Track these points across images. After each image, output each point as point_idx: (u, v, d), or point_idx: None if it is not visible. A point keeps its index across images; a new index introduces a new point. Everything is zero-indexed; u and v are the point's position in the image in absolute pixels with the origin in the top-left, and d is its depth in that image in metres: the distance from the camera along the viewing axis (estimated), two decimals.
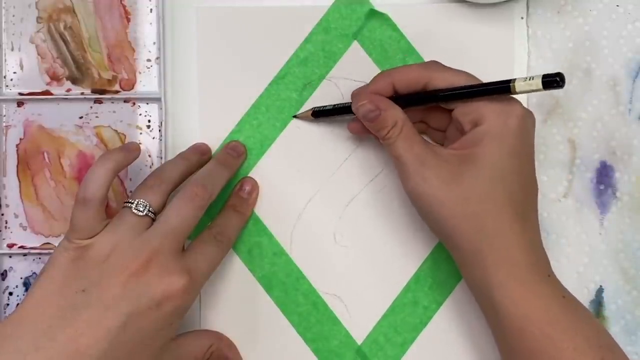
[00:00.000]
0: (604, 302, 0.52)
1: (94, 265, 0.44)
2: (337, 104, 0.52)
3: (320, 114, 0.52)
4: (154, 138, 0.54)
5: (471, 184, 0.44)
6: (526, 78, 0.44)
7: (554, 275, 0.46)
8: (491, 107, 0.45)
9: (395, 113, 0.47)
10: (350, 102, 0.50)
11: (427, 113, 0.50)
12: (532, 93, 0.52)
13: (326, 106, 0.52)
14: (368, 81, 0.53)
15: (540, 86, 0.43)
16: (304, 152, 0.53)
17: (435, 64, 0.48)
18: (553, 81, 0.43)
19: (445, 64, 0.48)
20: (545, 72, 0.43)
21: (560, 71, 0.42)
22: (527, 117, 0.46)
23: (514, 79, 0.44)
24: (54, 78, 0.54)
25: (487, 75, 0.47)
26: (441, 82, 0.47)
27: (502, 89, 0.45)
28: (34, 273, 0.54)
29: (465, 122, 0.46)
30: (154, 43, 0.54)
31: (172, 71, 0.54)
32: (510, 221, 0.45)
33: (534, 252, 0.45)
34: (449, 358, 0.53)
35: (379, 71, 0.50)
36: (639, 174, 0.52)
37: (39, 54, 0.54)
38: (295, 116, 0.53)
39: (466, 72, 0.47)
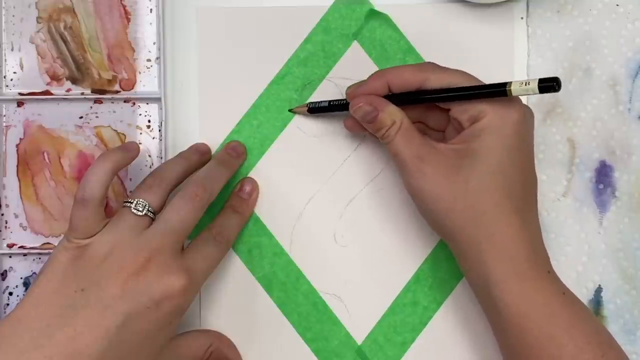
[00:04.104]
0: (602, 301, 0.52)
1: (93, 265, 0.44)
2: (333, 100, 0.52)
3: (316, 110, 0.52)
4: (154, 138, 0.54)
5: (470, 178, 0.44)
6: (522, 82, 0.44)
7: (554, 271, 0.46)
8: (489, 103, 0.45)
9: (392, 111, 0.47)
10: (346, 99, 0.50)
11: (425, 113, 0.50)
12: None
13: (322, 102, 0.52)
14: None
15: (537, 90, 0.43)
16: (304, 152, 0.53)
17: (430, 65, 0.48)
18: (550, 86, 0.43)
19: (445, 64, 0.48)
20: (545, 73, 0.43)
21: (559, 73, 0.42)
22: (526, 112, 0.46)
23: (510, 82, 0.44)
24: (54, 78, 0.54)
25: (487, 75, 0.47)
26: (436, 82, 0.47)
27: (498, 92, 0.45)
28: (34, 273, 0.54)
29: (463, 120, 0.46)
30: (154, 43, 0.54)
31: (172, 71, 0.54)
32: (510, 216, 0.45)
33: (534, 248, 0.45)
34: (449, 358, 0.53)
35: (377, 69, 0.50)
36: (639, 173, 0.52)
37: (39, 54, 0.54)
38: (291, 110, 0.53)
39: (462, 72, 0.47)
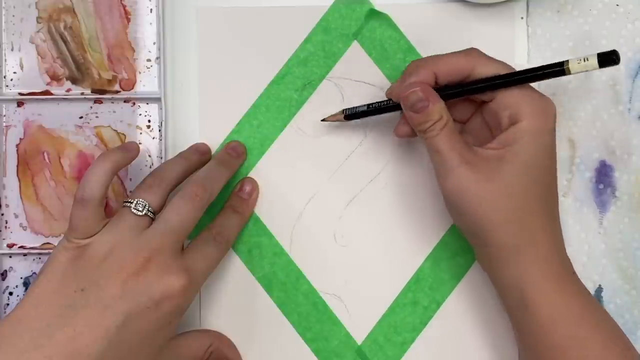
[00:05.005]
0: (603, 301, 0.52)
1: (93, 265, 0.44)
2: (372, 104, 0.50)
3: (353, 117, 0.51)
4: (154, 138, 0.54)
5: (511, 182, 0.44)
6: (580, 59, 0.43)
7: (576, 272, 0.47)
8: (529, 104, 0.45)
9: (441, 107, 0.46)
10: (386, 101, 0.49)
11: (450, 103, 0.48)
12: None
13: (359, 107, 0.51)
14: (368, 81, 0.53)
15: (596, 65, 0.43)
16: (304, 152, 0.53)
17: (477, 52, 0.47)
18: (610, 59, 0.42)
19: None
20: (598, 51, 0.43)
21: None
22: (554, 108, 0.46)
23: (567, 60, 0.44)
24: (54, 78, 0.54)
25: None
26: (485, 70, 0.46)
27: (556, 72, 0.44)
28: (34, 273, 0.54)
29: (503, 117, 0.46)
30: (154, 43, 0.54)
31: (172, 71, 0.54)
32: (545, 219, 0.45)
33: (562, 250, 0.46)
34: (449, 358, 0.53)
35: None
36: (639, 173, 0.52)
37: (39, 54, 0.54)
38: (324, 120, 0.52)
39: (504, 62, 0.47)
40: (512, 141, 0.45)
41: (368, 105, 0.50)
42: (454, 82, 0.47)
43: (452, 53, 0.47)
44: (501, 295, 0.47)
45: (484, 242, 0.46)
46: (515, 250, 0.45)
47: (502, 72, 0.46)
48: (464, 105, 0.49)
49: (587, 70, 0.44)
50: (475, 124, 0.49)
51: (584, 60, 0.43)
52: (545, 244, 0.45)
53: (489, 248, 0.46)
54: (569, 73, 0.44)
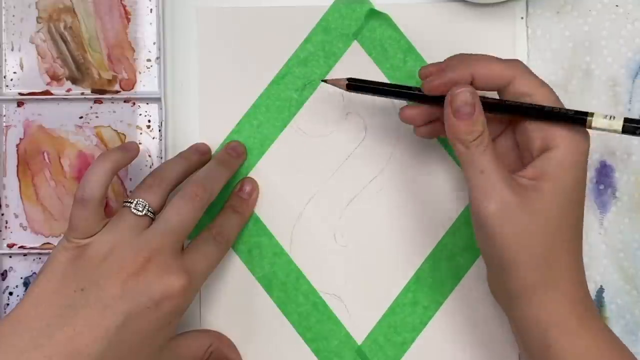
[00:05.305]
0: (604, 302, 0.52)
1: (92, 265, 0.44)
2: (382, 83, 0.47)
3: (356, 89, 0.47)
4: (154, 138, 0.54)
5: (547, 217, 0.42)
6: (606, 116, 0.42)
7: (597, 309, 0.46)
8: (564, 134, 0.43)
9: (484, 119, 0.42)
10: (395, 85, 0.47)
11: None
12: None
13: (367, 81, 0.47)
14: None
15: (620, 130, 0.42)
16: (304, 152, 0.53)
17: (520, 65, 0.44)
18: (635, 128, 0.42)
19: None
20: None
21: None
22: (589, 141, 0.44)
23: (593, 113, 0.42)
24: (54, 78, 0.54)
25: None
26: (525, 86, 0.43)
27: (577, 120, 0.43)
28: (34, 273, 0.54)
29: (535, 139, 0.43)
30: (154, 43, 0.54)
31: (172, 71, 0.54)
32: (571, 257, 0.44)
33: (585, 288, 0.45)
34: (449, 358, 0.53)
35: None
36: (639, 174, 0.52)
37: (39, 54, 0.54)
38: (324, 80, 0.49)
39: (545, 84, 0.44)
40: (547, 172, 0.42)
41: (377, 83, 0.47)
42: (488, 89, 0.44)
43: (494, 58, 0.45)
44: (519, 332, 0.45)
45: (508, 278, 0.43)
46: (540, 289, 0.42)
47: (540, 91, 0.43)
48: (495, 120, 0.46)
49: (607, 131, 0.42)
50: (503, 142, 0.47)
51: (610, 118, 0.42)
52: (570, 283, 0.43)
53: (514, 284, 0.43)
54: (589, 126, 0.42)
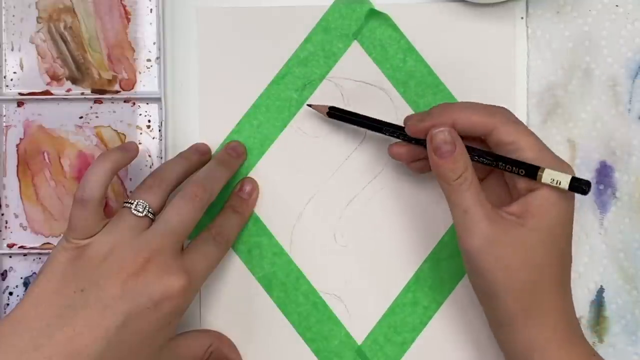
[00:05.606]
0: (604, 302, 0.52)
1: (92, 265, 0.44)
2: (362, 116, 0.50)
3: (336, 117, 0.51)
4: (154, 138, 0.54)
5: (532, 253, 0.43)
6: (553, 178, 0.43)
7: (583, 334, 0.46)
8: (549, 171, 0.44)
9: (467, 157, 0.44)
10: (376, 121, 0.49)
11: None
12: (532, 95, 0.52)
13: (347, 112, 0.51)
14: (368, 81, 0.53)
15: (567, 186, 0.43)
16: (304, 152, 0.53)
17: (504, 113, 0.46)
18: (579, 187, 0.43)
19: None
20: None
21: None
22: None
23: (544, 169, 0.43)
24: (54, 78, 0.54)
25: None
26: (506, 135, 0.44)
27: (529, 174, 0.44)
28: (34, 273, 0.54)
29: (520, 180, 0.45)
30: (154, 43, 0.54)
31: (172, 71, 0.54)
32: (557, 287, 0.45)
33: (572, 313, 0.46)
34: (449, 358, 0.53)
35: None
36: (639, 174, 0.52)
37: (39, 54, 0.54)
38: (310, 105, 0.52)
39: (530, 131, 0.45)
40: (532, 208, 0.44)
41: (357, 115, 0.50)
42: (471, 136, 0.46)
43: (478, 106, 0.46)
44: (507, 356, 0.47)
45: (495, 306, 0.45)
46: (523, 317, 0.44)
47: (523, 139, 0.44)
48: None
49: (555, 186, 0.43)
50: (494, 179, 0.48)
51: (557, 182, 0.43)
52: (555, 310, 0.45)
53: (500, 312, 0.45)
54: (539, 181, 0.43)
